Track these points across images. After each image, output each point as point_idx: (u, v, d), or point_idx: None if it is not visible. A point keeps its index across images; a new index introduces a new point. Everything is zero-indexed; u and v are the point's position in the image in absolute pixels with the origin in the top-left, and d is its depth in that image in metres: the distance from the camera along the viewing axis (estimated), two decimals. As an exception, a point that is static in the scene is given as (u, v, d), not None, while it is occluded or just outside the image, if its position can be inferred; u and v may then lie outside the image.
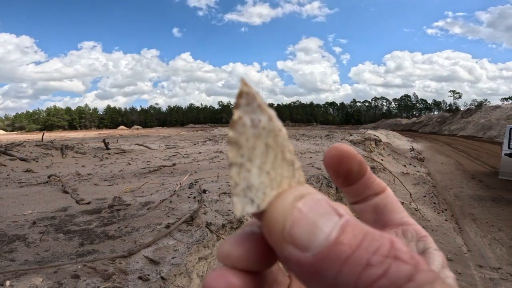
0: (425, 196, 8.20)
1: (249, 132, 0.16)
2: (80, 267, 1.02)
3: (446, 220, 6.45)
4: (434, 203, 7.65)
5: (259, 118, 0.17)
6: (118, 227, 1.25)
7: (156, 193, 1.82)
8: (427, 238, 0.22)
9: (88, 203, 1.72)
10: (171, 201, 1.53)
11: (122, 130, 44.40)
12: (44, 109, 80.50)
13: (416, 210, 6.98)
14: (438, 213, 6.96)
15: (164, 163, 4.14)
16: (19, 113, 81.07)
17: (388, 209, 0.24)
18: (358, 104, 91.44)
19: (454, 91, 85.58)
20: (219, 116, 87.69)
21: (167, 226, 1.16)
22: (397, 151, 17.31)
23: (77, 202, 1.77)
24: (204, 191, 1.64)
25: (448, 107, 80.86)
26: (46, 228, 1.37)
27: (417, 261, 0.14)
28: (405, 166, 13.08)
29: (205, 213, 1.36)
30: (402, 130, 38.73)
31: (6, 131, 60.06)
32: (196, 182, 1.96)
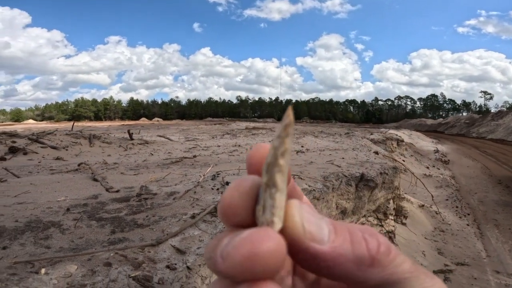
0: (447, 200, 7.94)
1: (288, 162, 0.19)
2: (112, 255, 1.06)
3: (468, 225, 6.22)
4: (457, 207, 7.32)
5: (291, 147, 0.19)
6: (146, 216, 1.29)
7: (180, 183, 1.87)
8: None
9: (117, 191, 1.80)
10: (195, 192, 1.57)
11: (143, 121, 45.71)
12: (73, 100, 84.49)
13: (436, 213, 6.76)
14: (460, 217, 6.66)
15: (185, 154, 4.24)
16: (49, 103, 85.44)
17: None
18: (380, 102, 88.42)
19: (485, 92, 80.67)
20: (237, 111, 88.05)
21: (193, 217, 1.19)
22: (420, 152, 16.73)
23: (107, 190, 1.85)
24: (227, 183, 1.67)
25: (478, 109, 76.52)
26: (79, 215, 1.42)
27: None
28: (428, 168, 12.64)
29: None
30: (426, 131, 37.15)
31: (36, 120, 63.47)
32: (218, 174, 2.00)
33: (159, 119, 59.07)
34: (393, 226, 5.07)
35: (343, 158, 4.24)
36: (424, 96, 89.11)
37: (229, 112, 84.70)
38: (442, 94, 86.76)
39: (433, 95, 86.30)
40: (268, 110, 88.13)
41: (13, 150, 5.36)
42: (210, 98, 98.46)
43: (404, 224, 5.80)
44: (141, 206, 1.41)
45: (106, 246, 1.14)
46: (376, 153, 5.41)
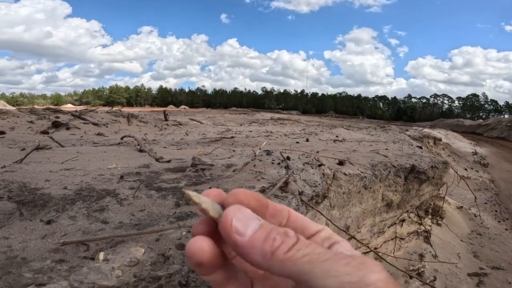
0: (486, 203, 7.58)
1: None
2: (184, 234, 0.87)
3: (506, 229, 5.91)
4: (496, 211, 6.99)
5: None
6: (209, 187, 1.19)
7: (232, 157, 1.77)
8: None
9: (169, 161, 1.73)
10: (254, 165, 1.46)
11: (171, 108, 46.99)
12: (107, 87, 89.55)
13: (475, 216, 6.52)
14: (499, 222, 6.39)
15: (219, 136, 4.18)
16: (86, 90, 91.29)
17: (303, 224, 0.32)
18: (413, 100, 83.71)
19: (532, 93, 73.50)
20: (261, 102, 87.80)
21: (262, 190, 1.07)
22: (457, 153, 15.83)
23: (157, 160, 1.79)
24: (288, 158, 1.54)
25: (522, 110, 70.15)
26: (136, 183, 1.31)
27: (297, 235, 0.27)
28: (466, 169, 11.93)
29: (295, 181, 1.25)
30: (464, 132, 34.77)
31: (74, 105, 67.86)
32: (271, 151, 1.89)
33: (185, 106, 60.34)
34: (430, 225, 4.85)
35: (386, 149, 3.96)
36: (463, 95, 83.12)
37: (254, 103, 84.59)
38: (484, 94, 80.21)
39: (474, 95, 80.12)
40: (293, 102, 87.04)
41: (56, 125, 5.62)
42: (236, 88, 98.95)
43: (439, 224, 5.57)
44: (200, 177, 1.31)
45: (173, 222, 0.94)
46: (420, 147, 5.04)
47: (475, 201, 6.41)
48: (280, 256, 0.25)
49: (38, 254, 0.64)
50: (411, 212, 4.15)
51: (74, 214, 0.95)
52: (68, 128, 5.44)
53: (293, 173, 1.30)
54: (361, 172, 2.35)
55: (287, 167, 1.38)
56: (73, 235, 0.79)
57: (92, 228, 0.86)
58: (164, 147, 2.74)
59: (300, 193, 1.16)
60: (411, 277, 3.81)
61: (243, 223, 0.27)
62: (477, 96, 79.51)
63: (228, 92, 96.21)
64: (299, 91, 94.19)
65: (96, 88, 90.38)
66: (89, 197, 1.14)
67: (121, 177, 1.46)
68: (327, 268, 0.23)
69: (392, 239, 4.04)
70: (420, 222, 4.63)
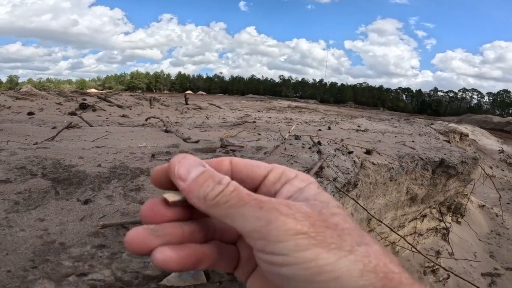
0: (509, 203, 7.27)
1: None
2: None
3: None
4: None
5: None
6: None
7: (260, 140, 1.75)
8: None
9: (197, 141, 1.74)
10: (285, 149, 1.44)
11: (189, 94, 47.54)
12: (129, 73, 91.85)
13: (497, 216, 6.35)
14: None
15: (239, 121, 4.17)
16: (109, 75, 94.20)
17: (251, 172, 0.33)
18: (440, 93, 79.85)
19: None
20: (278, 89, 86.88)
21: (297, 172, 1.04)
22: (483, 151, 15.16)
23: (184, 140, 1.81)
24: (319, 143, 1.51)
25: (558, 108, 65.33)
26: (168, 162, 1.31)
27: (229, 182, 0.28)
28: (491, 168, 11.39)
29: (328, 166, 1.22)
30: (491, 129, 32.95)
31: (97, 90, 70.22)
32: (299, 136, 1.85)
33: (203, 92, 60.75)
34: (450, 223, 4.74)
35: (413, 141, 3.81)
36: (494, 91, 78.66)
37: (271, 91, 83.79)
38: (515, 89, 75.30)
39: (506, 91, 75.50)
40: (310, 91, 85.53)
41: (83, 107, 5.81)
42: (253, 75, 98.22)
43: (459, 222, 5.43)
44: (231, 157, 1.31)
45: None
46: (448, 142, 4.82)
47: (499, 200, 6.20)
48: (209, 201, 0.27)
49: (77, 239, 0.58)
50: (433, 208, 4.03)
51: (110, 193, 0.90)
52: (94, 110, 5.61)
53: (326, 158, 1.27)
54: (389, 163, 2.28)
55: (319, 152, 1.35)
56: (111, 216, 0.73)
57: (130, 209, 0.81)
58: (188, 129, 2.77)
59: (334, 179, 1.13)
60: (425, 274, 3.75)
61: (186, 169, 0.29)
62: (509, 92, 74.87)
63: (245, 79, 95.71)
64: (317, 80, 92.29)
65: (118, 74, 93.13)
66: (124, 176, 1.11)
67: (153, 155, 1.48)
68: (244, 212, 0.26)
69: (411, 234, 3.96)
70: (441, 218, 4.52)
